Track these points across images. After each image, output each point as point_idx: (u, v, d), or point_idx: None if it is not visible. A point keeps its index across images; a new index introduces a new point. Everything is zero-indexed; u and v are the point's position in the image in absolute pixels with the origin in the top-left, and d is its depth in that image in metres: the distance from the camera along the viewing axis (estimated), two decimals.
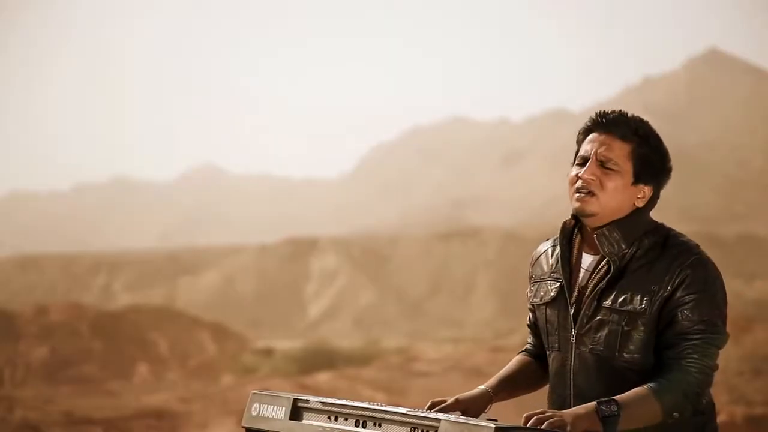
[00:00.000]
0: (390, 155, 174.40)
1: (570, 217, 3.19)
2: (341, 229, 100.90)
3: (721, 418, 13.66)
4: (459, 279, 61.62)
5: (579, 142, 3.16)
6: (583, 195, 3.06)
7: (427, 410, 3.06)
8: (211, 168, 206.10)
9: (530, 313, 3.33)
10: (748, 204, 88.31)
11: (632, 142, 3.09)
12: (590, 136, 3.12)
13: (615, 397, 2.89)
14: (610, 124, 3.10)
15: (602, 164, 3.07)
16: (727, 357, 18.97)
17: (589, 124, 3.14)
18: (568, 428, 2.80)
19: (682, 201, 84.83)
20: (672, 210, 79.77)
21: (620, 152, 3.08)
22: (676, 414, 2.95)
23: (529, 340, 3.38)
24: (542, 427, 2.79)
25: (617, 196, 3.06)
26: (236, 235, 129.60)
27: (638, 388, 2.94)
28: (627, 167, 3.08)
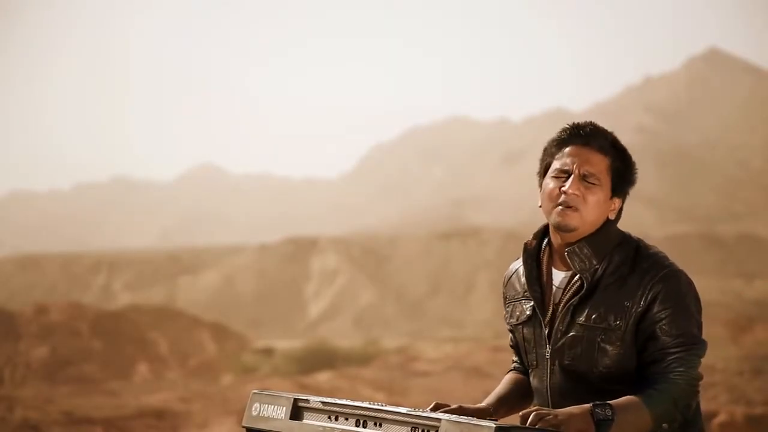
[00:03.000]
0: (390, 155, 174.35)
1: (531, 237, 3.20)
2: (341, 229, 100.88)
3: (721, 418, 13.66)
4: (459, 279, 61.62)
5: (552, 154, 3.14)
6: (565, 210, 3.07)
7: (429, 410, 3.07)
8: (211, 168, 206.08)
9: (510, 334, 3.35)
10: (748, 204, 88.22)
11: (609, 155, 3.10)
12: (568, 149, 3.11)
13: (610, 402, 2.90)
14: (588, 136, 3.11)
15: (584, 178, 3.08)
16: (727, 357, 18.97)
17: (564, 136, 3.13)
18: (562, 428, 2.81)
19: (682, 201, 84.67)
20: (672, 210, 79.65)
21: (600, 166, 3.09)
22: (665, 425, 2.97)
23: (514, 359, 3.41)
24: (538, 426, 2.80)
25: (597, 210, 3.08)
26: (236, 235, 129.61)
27: (630, 396, 2.95)
28: (606, 181, 3.09)
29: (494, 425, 2.66)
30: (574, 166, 3.08)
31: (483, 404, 3.26)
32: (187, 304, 54.65)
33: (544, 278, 3.16)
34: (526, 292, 3.20)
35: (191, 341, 35.21)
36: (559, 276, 3.14)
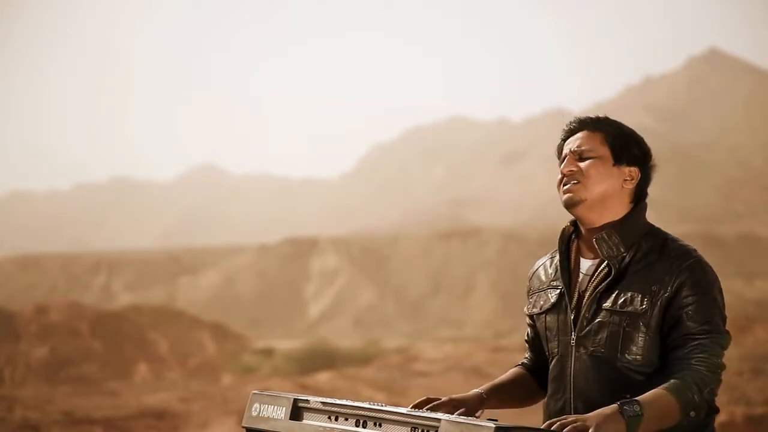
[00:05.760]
0: (390, 155, 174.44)
1: (569, 223, 3.22)
2: (341, 229, 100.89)
3: (721, 418, 13.66)
4: (459, 279, 61.63)
5: (558, 156, 3.22)
6: (568, 186, 3.11)
7: (418, 404, 3.09)
8: (211, 168, 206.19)
9: (528, 329, 3.34)
10: (748, 204, 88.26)
11: (603, 130, 3.15)
12: (565, 142, 3.20)
13: (636, 398, 2.88)
14: (579, 123, 3.18)
15: (580, 156, 3.12)
16: (727, 357, 18.91)
17: (560, 138, 3.22)
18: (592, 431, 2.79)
19: (682, 201, 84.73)
20: (672, 210, 79.68)
21: (594, 140, 3.13)
22: (692, 413, 2.95)
23: (526, 355, 3.39)
24: (566, 431, 2.77)
25: (602, 180, 3.09)
26: (236, 235, 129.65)
27: (654, 389, 2.92)
28: (604, 151, 3.12)
29: (494, 425, 2.65)
30: (568, 149, 3.15)
31: (477, 390, 3.25)
32: (187, 304, 54.67)
33: (572, 266, 3.17)
34: (552, 281, 3.20)
35: (191, 341, 35.22)
36: (586, 264, 3.14)
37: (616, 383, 3.02)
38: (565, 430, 2.76)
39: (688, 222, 75.76)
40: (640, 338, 3.02)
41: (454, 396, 3.19)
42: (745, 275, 54.84)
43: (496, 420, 2.71)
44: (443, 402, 3.13)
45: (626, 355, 3.03)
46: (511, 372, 3.36)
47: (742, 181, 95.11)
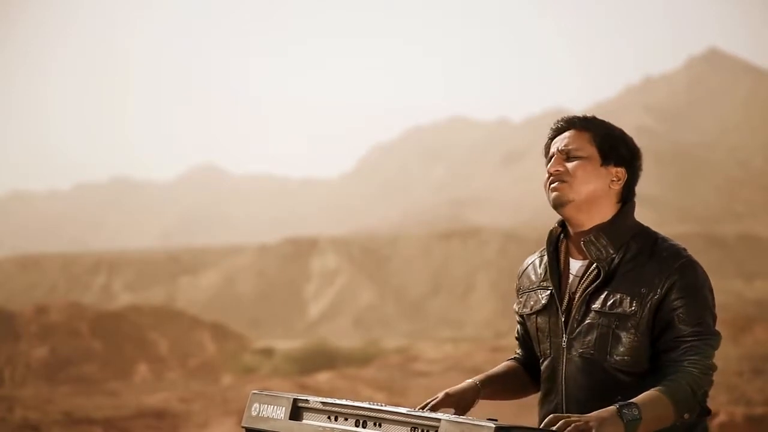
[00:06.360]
0: (390, 155, 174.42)
1: (556, 224, 3.21)
2: (341, 229, 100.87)
3: (721, 418, 13.64)
4: (459, 279, 61.61)
5: (545, 154, 3.20)
6: (555, 185, 3.09)
7: (420, 408, 3.08)
8: (211, 168, 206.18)
9: (518, 326, 3.34)
10: (748, 204, 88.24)
11: (590, 129, 3.13)
12: (553, 141, 3.17)
13: (633, 401, 2.87)
14: (566, 122, 3.16)
15: (567, 156, 3.10)
16: (727, 357, 18.96)
17: (547, 137, 3.19)
18: None
19: (682, 201, 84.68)
20: (672, 210, 79.64)
21: (581, 140, 3.11)
22: (686, 415, 2.95)
23: (518, 351, 3.39)
24: (568, 431, 2.77)
25: (589, 180, 3.08)
26: (236, 235, 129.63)
27: (649, 391, 2.92)
28: (591, 151, 3.10)
29: (494, 425, 2.64)
30: (555, 148, 3.13)
31: (471, 380, 3.26)
32: (187, 304, 54.66)
33: (562, 267, 3.16)
34: (542, 282, 3.19)
35: (191, 341, 35.21)
36: (576, 265, 3.13)
37: (606, 385, 3.02)
38: (568, 429, 2.76)
39: (688, 222, 75.70)
40: (628, 339, 3.01)
41: (450, 390, 3.20)
42: (745, 275, 54.79)
43: (496, 420, 2.71)
44: (441, 400, 3.15)
45: (615, 356, 3.02)
46: (505, 365, 3.38)
47: (742, 181, 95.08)
